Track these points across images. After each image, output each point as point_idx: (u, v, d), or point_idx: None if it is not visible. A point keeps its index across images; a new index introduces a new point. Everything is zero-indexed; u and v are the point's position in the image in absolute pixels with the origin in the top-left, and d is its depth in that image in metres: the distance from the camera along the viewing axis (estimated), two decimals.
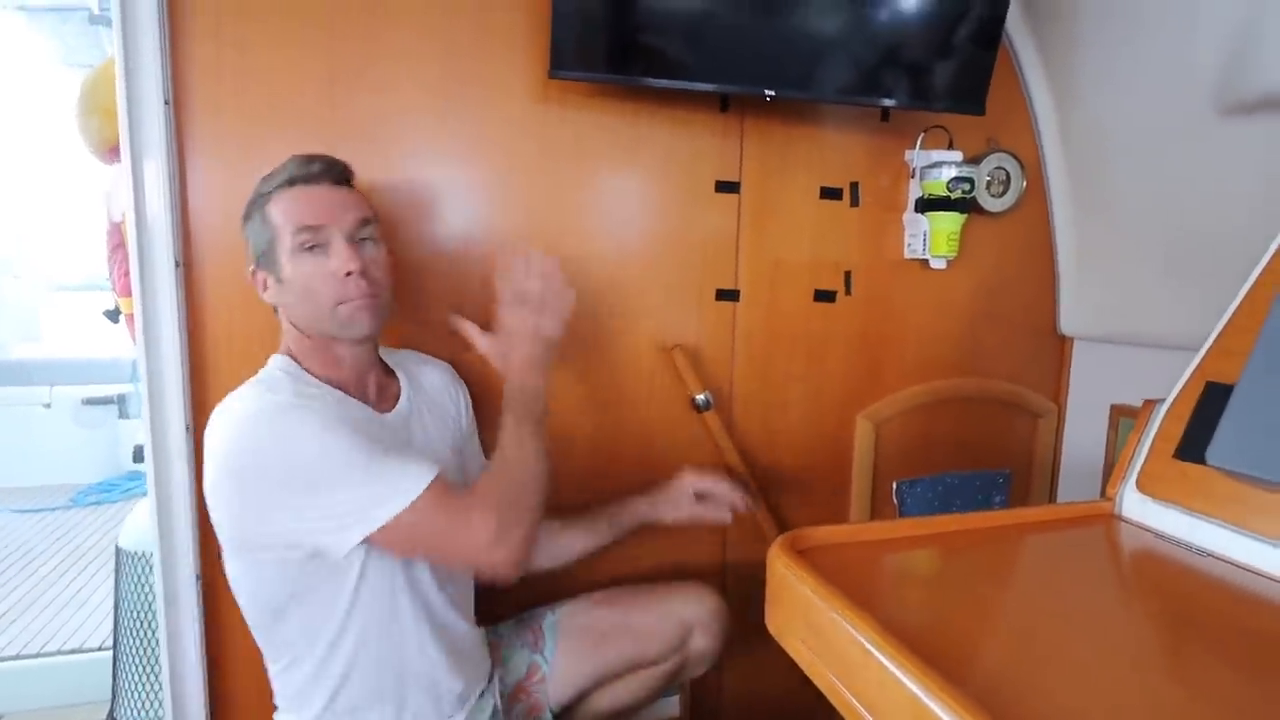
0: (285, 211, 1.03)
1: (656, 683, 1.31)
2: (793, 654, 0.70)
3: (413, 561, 1.08)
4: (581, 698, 1.30)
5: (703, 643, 1.31)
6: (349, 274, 1.02)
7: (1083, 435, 1.73)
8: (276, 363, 1.08)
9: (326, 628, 1.03)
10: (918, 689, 0.51)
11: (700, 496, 1.32)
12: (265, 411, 0.96)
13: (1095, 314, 1.66)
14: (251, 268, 1.09)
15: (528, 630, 1.32)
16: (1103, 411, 1.65)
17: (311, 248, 1.02)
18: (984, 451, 1.74)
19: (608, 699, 1.32)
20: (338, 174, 1.09)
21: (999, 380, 1.73)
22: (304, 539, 0.96)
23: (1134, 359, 1.59)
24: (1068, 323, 1.72)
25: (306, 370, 1.07)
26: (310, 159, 1.06)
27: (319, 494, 0.93)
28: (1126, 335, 1.59)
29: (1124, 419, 1.60)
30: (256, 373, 1.07)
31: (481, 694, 1.19)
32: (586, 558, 1.34)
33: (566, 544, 1.31)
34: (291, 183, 1.05)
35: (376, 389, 1.13)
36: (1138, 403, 1.58)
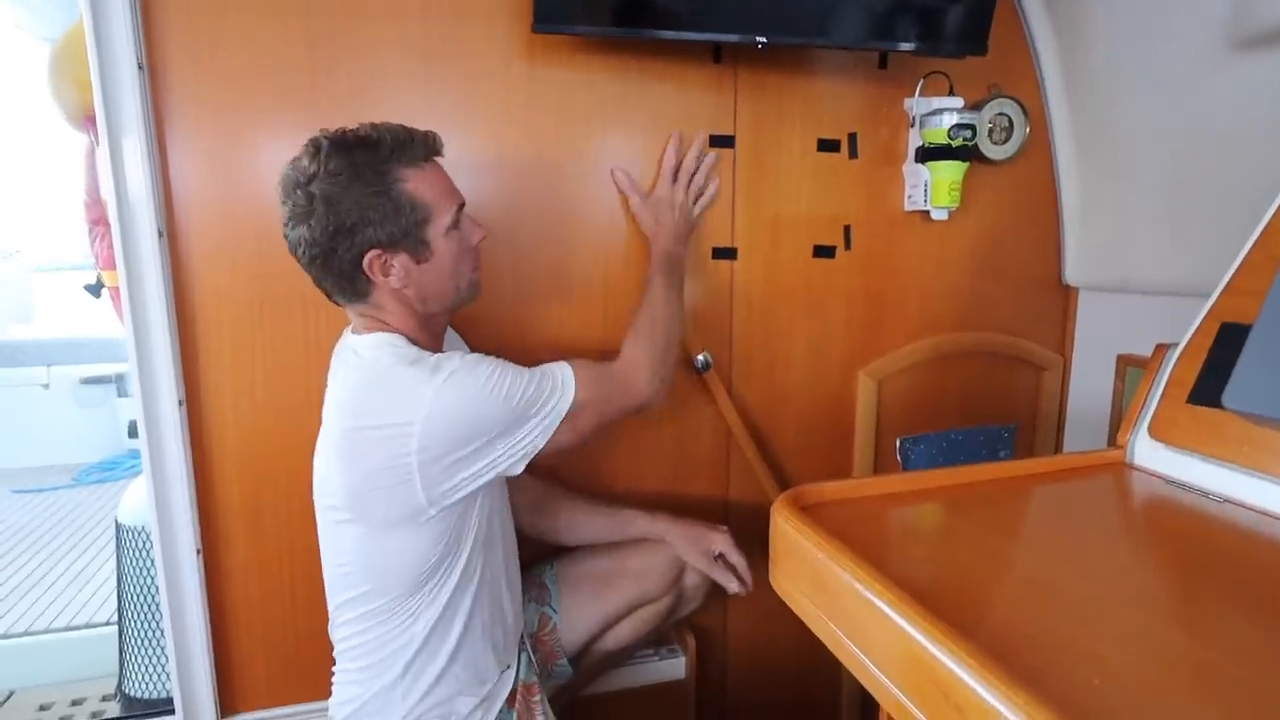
0: (437, 189, 1.02)
1: (655, 619, 1.36)
2: (797, 610, 0.68)
3: (504, 515, 1.17)
4: (591, 641, 1.34)
5: (694, 578, 1.37)
6: (477, 242, 1.08)
7: (1089, 387, 1.71)
8: (394, 342, 1.03)
9: (446, 586, 1.05)
10: (925, 641, 0.49)
11: (719, 558, 1.31)
12: (455, 384, 0.96)
13: (1100, 263, 1.62)
14: (374, 251, 0.98)
15: (531, 585, 1.34)
16: (1109, 362, 1.63)
17: (457, 224, 1.04)
18: (989, 406, 1.72)
19: (612, 639, 1.36)
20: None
21: (1003, 333, 1.70)
22: (498, 469, 1.01)
23: (1140, 308, 1.57)
24: (1072, 273, 1.68)
25: (415, 344, 1.05)
26: (427, 133, 1.02)
27: (522, 423, 1.00)
28: (1132, 284, 1.56)
29: (1131, 369, 1.58)
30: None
31: (520, 647, 1.23)
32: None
33: (584, 529, 1.36)
34: (429, 158, 1.02)
35: None
36: (1145, 352, 1.55)
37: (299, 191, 0.97)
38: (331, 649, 1.14)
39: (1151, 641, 0.54)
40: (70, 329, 3.89)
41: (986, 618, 0.57)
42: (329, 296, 1.06)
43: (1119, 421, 1.62)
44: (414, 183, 0.99)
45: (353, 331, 1.09)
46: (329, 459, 1.03)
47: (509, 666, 1.18)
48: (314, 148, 0.97)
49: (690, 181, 1.37)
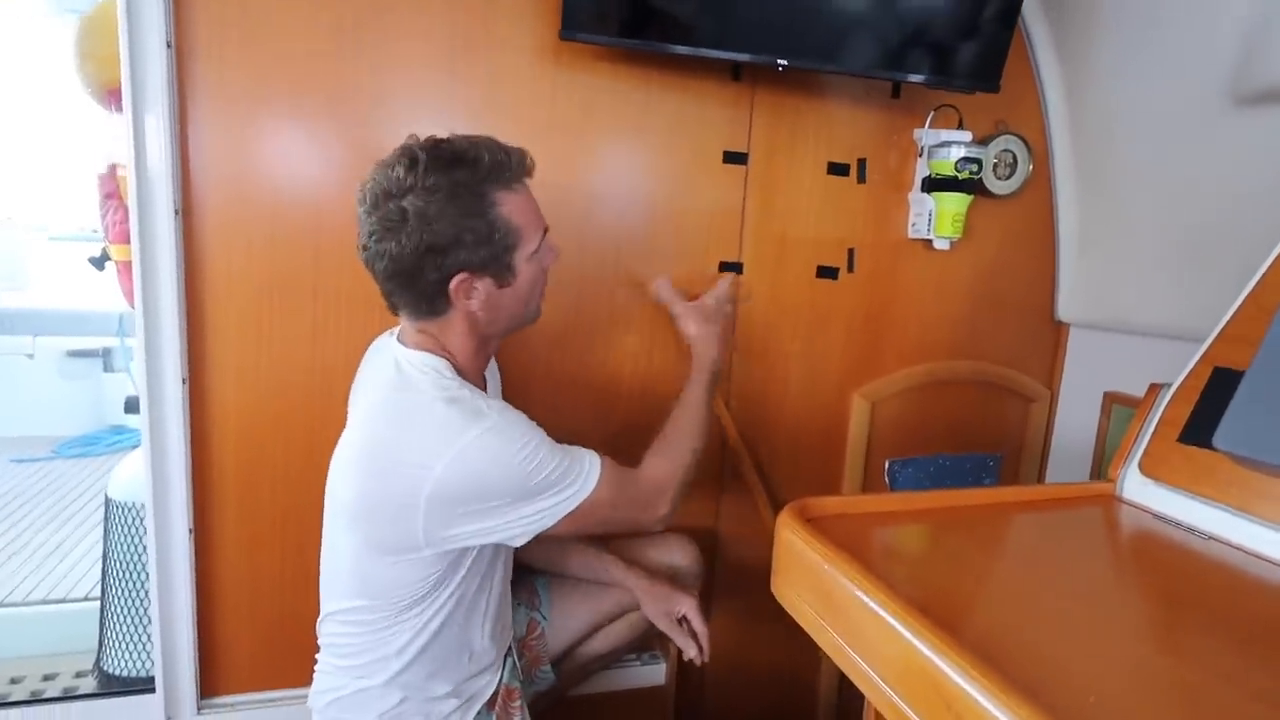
0: (528, 215, 1.00)
1: (644, 624, 1.35)
2: (799, 619, 0.70)
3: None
4: (577, 644, 1.35)
5: (684, 583, 1.38)
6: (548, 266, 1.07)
7: (1074, 421, 1.75)
8: (438, 369, 1.00)
9: (433, 606, 1.03)
10: (932, 654, 0.51)
11: (683, 621, 1.29)
12: (490, 435, 0.93)
13: (1093, 301, 1.67)
14: (464, 276, 0.96)
15: (522, 590, 1.35)
16: (1095, 398, 1.67)
17: (538, 249, 1.03)
18: (976, 434, 1.76)
19: (598, 642, 1.37)
20: None
21: (995, 364, 1.74)
22: (498, 536, 0.98)
23: (1129, 347, 1.61)
24: (1065, 309, 1.73)
25: (459, 373, 1.03)
26: (522, 152, 0.99)
27: (534, 501, 0.96)
28: (1123, 323, 1.60)
29: (1117, 406, 1.62)
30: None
31: (507, 652, 1.22)
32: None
33: (564, 563, 1.35)
34: (520, 179, 1.00)
35: None
36: (1131, 391, 1.61)
37: (390, 204, 0.93)
38: (317, 638, 1.14)
39: (1142, 666, 0.57)
40: (62, 300, 3.84)
41: (985, 634, 0.59)
42: (394, 310, 1.03)
43: (1102, 457, 1.67)
44: (508, 206, 0.97)
45: (399, 340, 1.05)
46: (346, 465, 1.01)
47: (494, 672, 1.18)
48: (409, 159, 0.93)
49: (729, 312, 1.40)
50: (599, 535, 1.34)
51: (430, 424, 0.94)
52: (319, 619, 1.12)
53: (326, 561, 1.10)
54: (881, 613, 0.57)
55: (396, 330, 1.09)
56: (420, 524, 0.94)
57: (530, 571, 1.37)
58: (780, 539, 0.73)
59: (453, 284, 0.96)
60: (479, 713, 1.13)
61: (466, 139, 0.97)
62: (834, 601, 0.64)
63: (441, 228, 0.92)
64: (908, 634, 0.54)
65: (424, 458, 0.92)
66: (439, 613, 1.04)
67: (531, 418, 1.02)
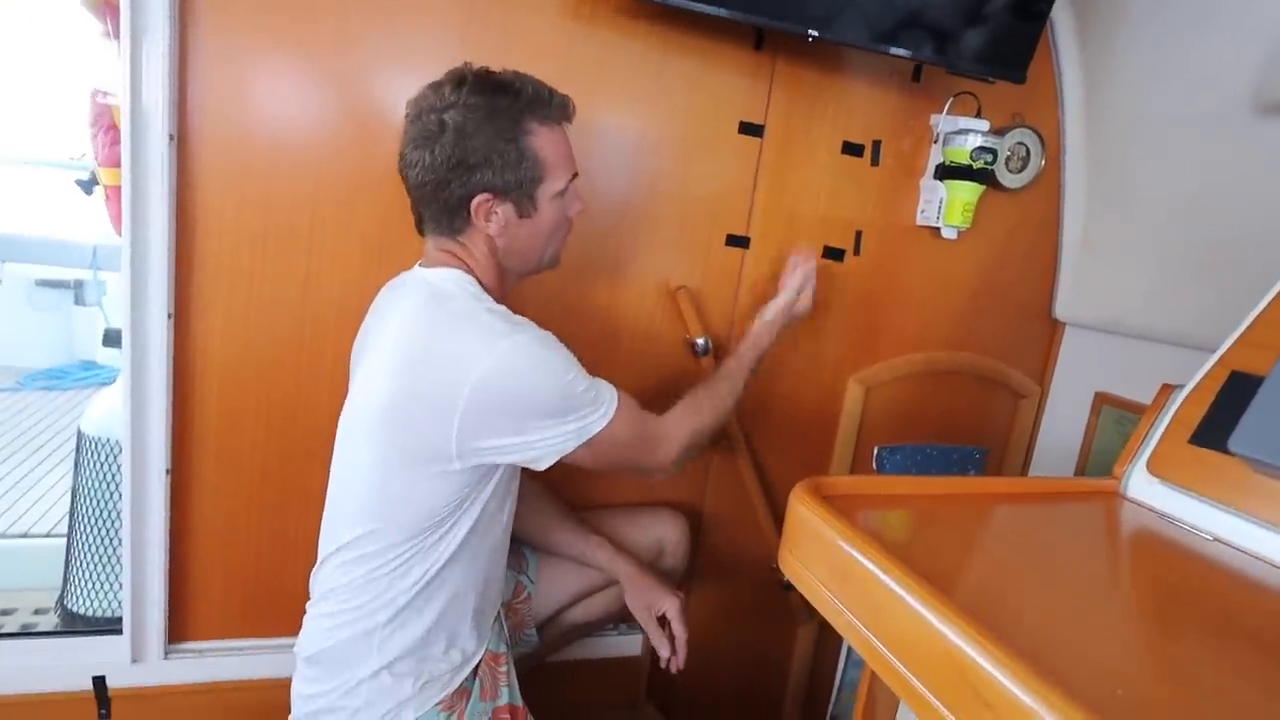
0: (559, 154, 1.02)
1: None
2: (808, 594, 0.69)
3: (513, 494, 1.13)
4: (561, 610, 1.35)
5: (671, 562, 1.41)
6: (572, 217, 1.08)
7: (1062, 420, 1.76)
8: (470, 284, 1.02)
9: (449, 542, 1.02)
10: (961, 640, 0.50)
11: (661, 621, 1.27)
12: (532, 343, 0.95)
13: (1091, 302, 1.67)
14: (485, 194, 0.98)
15: (510, 554, 1.32)
16: (1085, 398, 1.68)
17: (564, 192, 1.04)
18: (965, 426, 1.77)
19: (582, 611, 1.37)
20: None
21: (989, 357, 1.74)
22: (524, 454, 0.98)
23: (1123, 350, 1.62)
24: (1062, 307, 1.73)
25: (489, 294, 1.03)
26: (565, 97, 1.02)
27: (561, 420, 0.97)
28: (1119, 325, 1.61)
29: (1107, 407, 1.63)
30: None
31: (498, 616, 1.21)
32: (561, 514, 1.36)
33: (551, 538, 1.34)
34: (559, 119, 1.02)
35: None
36: (1122, 393, 1.63)
37: (432, 115, 0.96)
38: (303, 587, 1.11)
39: (1165, 663, 0.57)
40: (32, 227, 3.70)
41: (1005, 622, 0.59)
42: (418, 223, 1.06)
43: (1088, 457, 1.69)
44: (541, 139, 0.99)
45: (421, 265, 1.06)
46: (376, 373, 1.01)
47: (485, 635, 1.16)
48: (458, 78, 0.97)
49: (803, 287, 1.36)
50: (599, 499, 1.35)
51: (473, 326, 0.95)
52: (315, 566, 1.09)
53: (336, 500, 1.07)
54: (905, 595, 0.56)
55: (412, 270, 1.09)
56: (455, 428, 0.93)
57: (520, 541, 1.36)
58: (794, 513, 0.72)
59: (474, 202, 0.99)
60: (465, 679, 1.11)
61: (514, 72, 1.01)
62: (848, 578, 0.63)
63: (474, 144, 0.96)
64: (934, 618, 0.53)
65: (467, 358, 0.93)
66: (449, 551, 1.02)
67: None
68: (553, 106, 1.01)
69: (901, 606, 0.56)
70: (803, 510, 0.70)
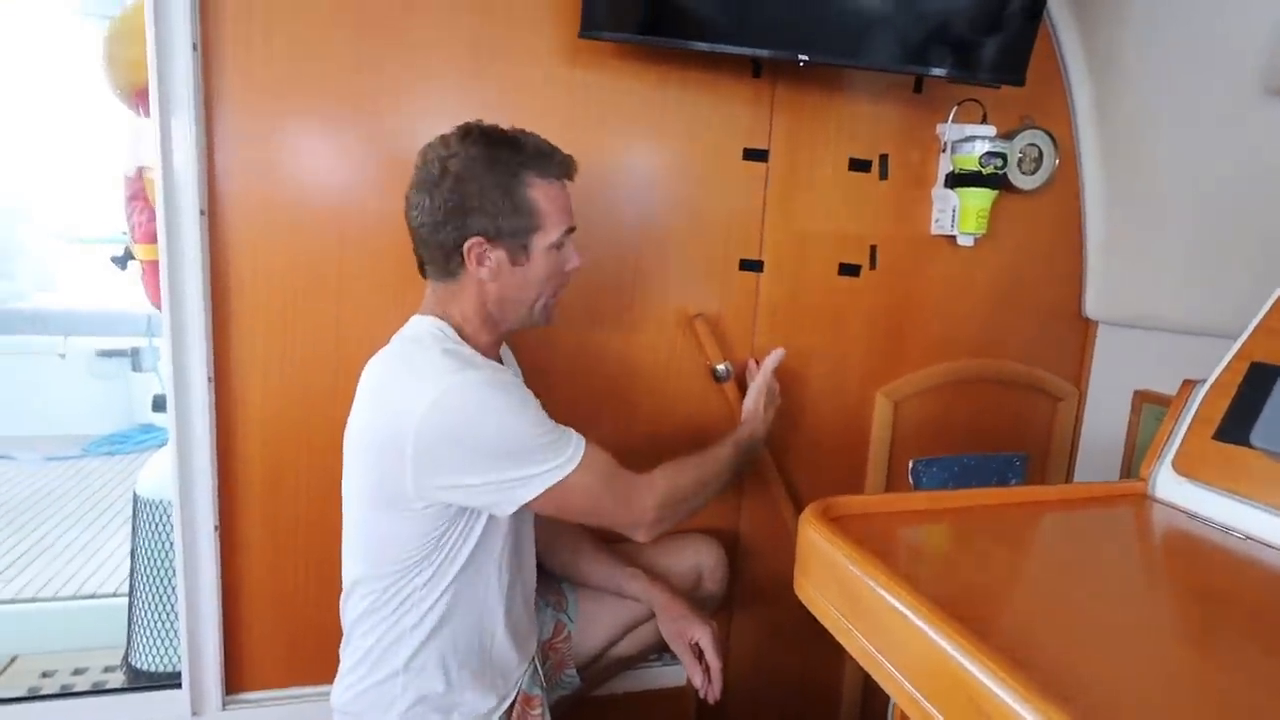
0: (556, 206, 1.05)
1: None
2: (822, 619, 0.69)
3: (525, 525, 1.15)
4: (605, 649, 1.35)
5: (711, 588, 1.41)
6: (569, 270, 1.10)
7: (1103, 421, 1.72)
8: (440, 329, 1.05)
9: (441, 583, 1.05)
10: (961, 656, 0.50)
11: (696, 651, 1.26)
12: (477, 384, 0.97)
13: (1122, 298, 1.64)
14: (478, 238, 1.02)
15: (550, 591, 1.34)
16: (1125, 397, 1.64)
17: (561, 245, 1.07)
18: (1002, 433, 1.73)
19: (625, 645, 1.36)
20: None
21: (1020, 362, 1.71)
22: (481, 499, 1.00)
23: (1159, 344, 1.58)
24: (1093, 306, 1.69)
25: (465, 338, 1.07)
26: (567, 156, 1.07)
27: (516, 464, 0.97)
28: (1152, 320, 1.57)
29: (1147, 405, 1.59)
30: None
31: (531, 657, 1.22)
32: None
33: (585, 572, 1.35)
34: (560, 176, 1.06)
35: None
36: (1161, 389, 1.58)
37: (435, 162, 1.02)
38: (341, 633, 1.15)
39: (1174, 668, 0.55)
40: (92, 300, 3.91)
41: (1011, 634, 0.58)
42: (420, 265, 1.10)
43: (1132, 457, 1.64)
44: (538, 191, 1.03)
45: (417, 313, 1.11)
46: (351, 420, 1.06)
47: (515, 677, 1.17)
48: (465, 130, 1.03)
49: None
50: (607, 537, 1.32)
51: (423, 366, 0.98)
52: (341, 609, 1.13)
53: (345, 541, 1.11)
54: (908, 614, 0.56)
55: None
56: (409, 468, 0.95)
57: (558, 577, 1.37)
58: (803, 538, 0.72)
59: (468, 244, 1.01)
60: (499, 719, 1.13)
61: (519, 130, 1.06)
62: (860, 602, 0.63)
63: (471, 189, 1.00)
64: (936, 636, 0.53)
65: (412, 396, 0.95)
66: (447, 591, 1.05)
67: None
68: (553, 163, 1.04)
69: (909, 628, 0.56)
70: (812, 534, 0.70)
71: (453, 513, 1.01)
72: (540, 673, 1.24)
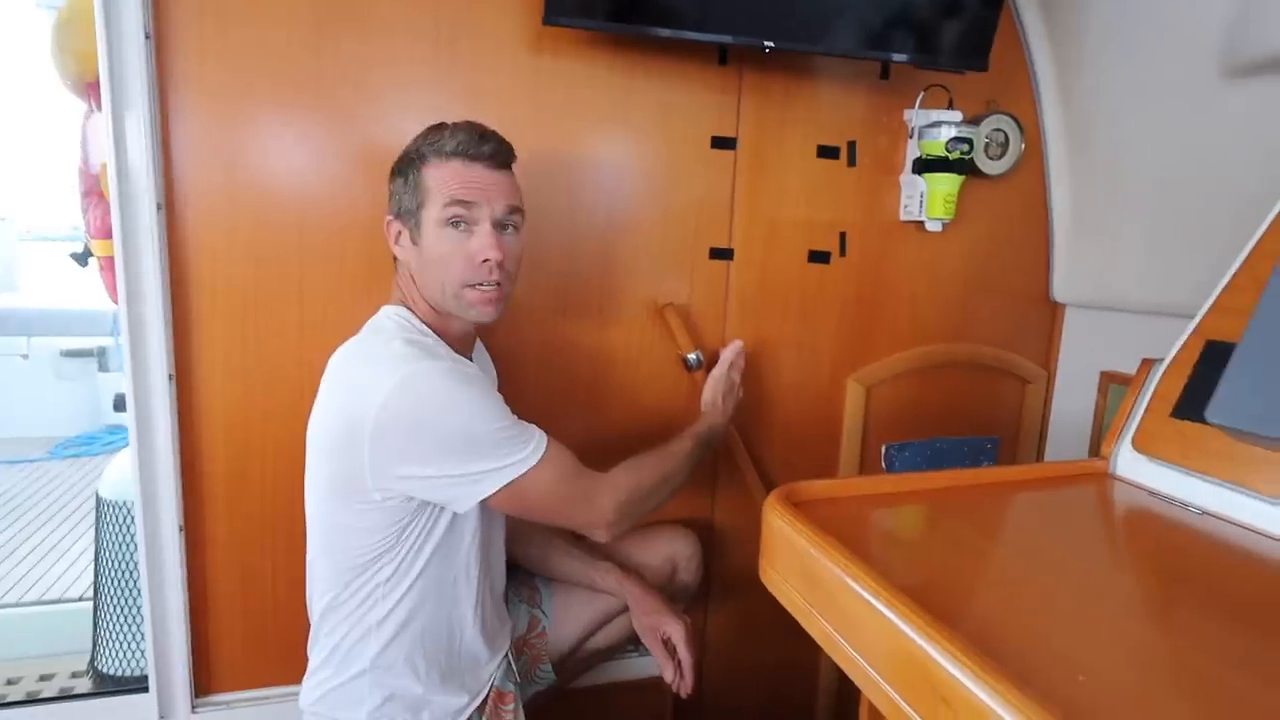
0: (441, 182, 1.03)
1: None
2: (786, 604, 0.69)
3: (494, 522, 1.15)
4: (580, 643, 1.34)
5: (686, 576, 1.41)
6: (485, 260, 1.03)
7: (1071, 402, 1.74)
8: (404, 317, 1.06)
9: (406, 578, 1.04)
10: (916, 636, 0.50)
11: (665, 643, 1.26)
12: (436, 374, 0.96)
13: (1088, 280, 1.65)
14: (389, 218, 1.08)
15: (523, 586, 1.34)
16: (1092, 378, 1.66)
17: (457, 224, 1.03)
18: (973, 417, 1.75)
19: (600, 638, 1.36)
20: (502, 157, 1.07)
21: (990, 346, 1.73)
22: (439, 492, 0.98)
23: (1125, 326, 1.60)
24: (1060, 289, 1.71)
25: (428, 326, 1.07)
26: (483, 136, 1.04)
27: (474, 458, 0.96)
28: (1119, 302, 1.59)
29: (1114, 385, 1.61)
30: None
31: (504, 653, 1.21)
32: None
33: (557, 567, 1.34)
34: (455, 154, 1.03)
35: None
36: (1128, 369, 1.59)
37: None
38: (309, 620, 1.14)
39: (1133, 643, 0.56)
40: (55, 300, 3.82)
41: (973, 615, 0.58)
42: None
43: (1100, 436, 1.66)
44: (432, 170, 1.03)
45: None
46: (314, 408, 1.06)
47: (486, 674, 1.17)
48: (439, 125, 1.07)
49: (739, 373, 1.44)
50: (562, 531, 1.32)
51: (383, 355, 0.98)
52: (308, 608, 1.11)
53: (308, 527, 1.10)
54: (868, 597, 0.56)
55: None
56: (366, 457, 0.94)
57: (531, 572, 1.37)
58: (767, 524, 0.72)
59: (386, 221, 1.09)
60: (470, 717, 1.12)
61: (468, 123, 1.06)
62: (822, 587, 0.63)
63: (394, 174, 1.08)
64: (894, 618, 0.53)
65: (371, 386, 0.94)
66: (413, 587, 1.04)
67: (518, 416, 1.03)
68: (451, 140, 1.03)
69: (868, 611, 0.56)
70: (775, 519, 0.70)
71: (414, 506, 1.00)
72: (514, 668, 1.24)
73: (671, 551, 1.40)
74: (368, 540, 1.01)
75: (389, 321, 1.05)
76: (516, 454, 0.98)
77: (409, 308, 1.07)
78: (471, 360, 1.14)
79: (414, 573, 1.04)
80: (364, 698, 1.05)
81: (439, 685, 1.09)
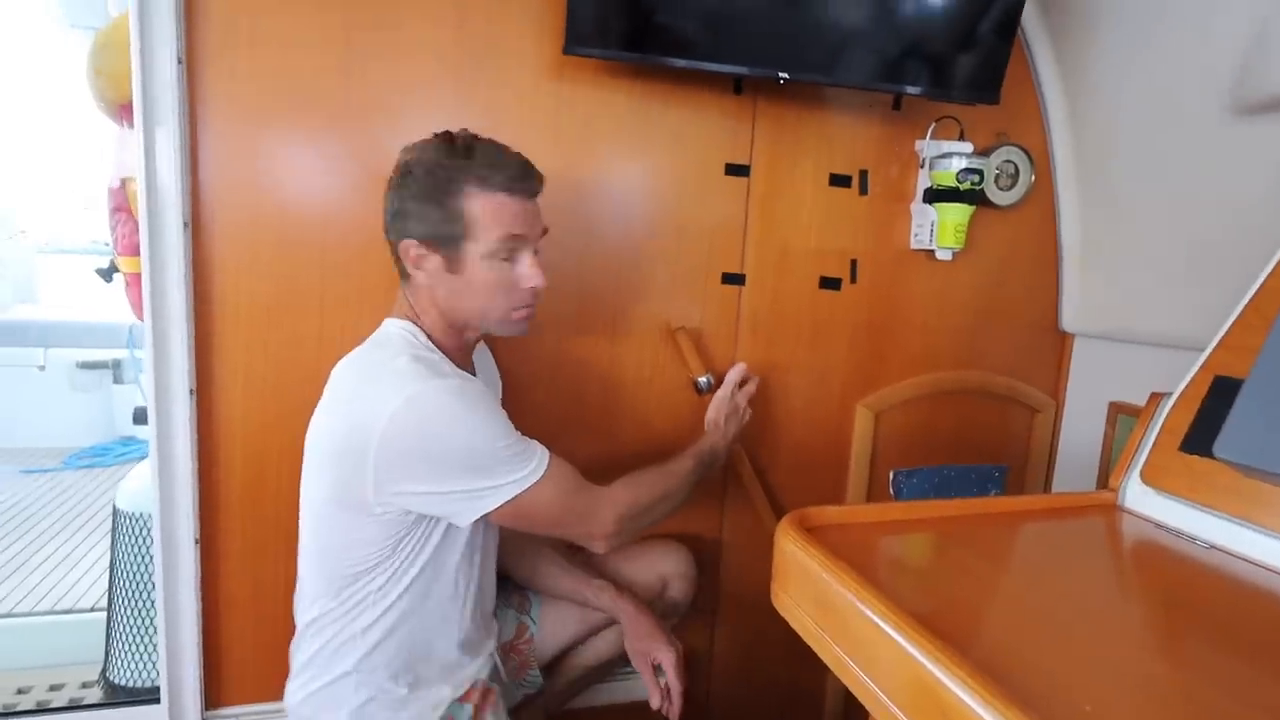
0: (495, 216, 1.02)
1: None
2: (798, 629, 0.70)
3: (488, 534, 1.15)
4: (568, 651, 1.35)
5: (677, 593, 1.40)
6: (532, 287, 1.07)
7: (1080, 432, 1.74)
8: (409, 331, 1.06)
9: (397, 587, 1.05)
10: (929, 663, 0.51)
11: (655, 667, 1.25)
12: (443, 391, 0.96)
13: (1097, 311, 1.67)
14: (411, 241, 1.03)
15: (513, 593, 1.35)
16: (1101, 408, 1.67)
17: (506, 258, 1.04)
18: (982, 444, 1.75)
19: (592, 654, 1.37)
20: (540, 187, 1.08)
21: (999, 374, 1.74)
22: (441, 507, 1.00)
23: (1134, 357, 1.60)
24: (1069, 319, 1.72)
25: (434, 343, 1.07)
26: (526, 170, 1.05)
27: (478, 475, 0.98)
28: (1127, 333, 1.60)
29: (1123, 416, 1.61)
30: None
31: (489, 655, 1.22)
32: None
33: (553, 583, 1.34)
34: (503, 189, 1.02)
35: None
36: (1136, 400, 1.60)
37: (400, 164, 1.05)
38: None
39: (1140, 675, 0.57)
40: (72, 312, 3.87)
41: (982, 643, 0.59)
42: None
43: (1108, 467, 1.66)
44: (475, 201, 1.01)
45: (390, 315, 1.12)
46: (316, 419, 1.06)
47: (469, 673, 1.16)
48: (442, 138, 1.04)
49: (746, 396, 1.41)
50: (564, 545, 1.33)
51: (390, 371, 0.98)
52: (294, 598, 1.13)
53: (300, 535, 1.11)
54: (881, 622, 0.57)
55: None
56: (370, 474, 0.95)
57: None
58: (780, 548, 0.74)
59: (402, 247, 1.04)
60: (451, 704, 1.12)
61: (490, 141, 1.05)
62: (834, 612, 0.64)
63: (409, 194, 1.02)
64: (907, 645, 0.54)
65: (378, 402, 0.95)
66: (402, 596, 1.05)
67: (528, 434, 1.04)
68: (498, 174, 1.02)
69: (883, 639, 0.57)
70: (788, 545, 0.71)
71: (412, 519, 1.02)
72: (501, 669, 1.24)
73: (662, 569, 1.40)
74: (363, 551, 1.02)
75: (395, 336, 1.05)
76: (519, 471, 0.99)
77: (418, 324, 1.07)
78: (474, 365, 1.16)
79: (405, 582, 1.05)
80: (348, 698, 1.06)
81: (420, 686, 1.10)
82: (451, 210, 1.01)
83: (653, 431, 1.52)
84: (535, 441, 1.04)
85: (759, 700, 1.73)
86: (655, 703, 1.24)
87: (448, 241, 1.02)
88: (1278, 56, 1.15)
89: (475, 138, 1.05)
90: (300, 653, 1.11)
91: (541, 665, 1.33)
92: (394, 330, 1.06)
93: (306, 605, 1.10)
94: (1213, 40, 1.27)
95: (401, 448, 0.95)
